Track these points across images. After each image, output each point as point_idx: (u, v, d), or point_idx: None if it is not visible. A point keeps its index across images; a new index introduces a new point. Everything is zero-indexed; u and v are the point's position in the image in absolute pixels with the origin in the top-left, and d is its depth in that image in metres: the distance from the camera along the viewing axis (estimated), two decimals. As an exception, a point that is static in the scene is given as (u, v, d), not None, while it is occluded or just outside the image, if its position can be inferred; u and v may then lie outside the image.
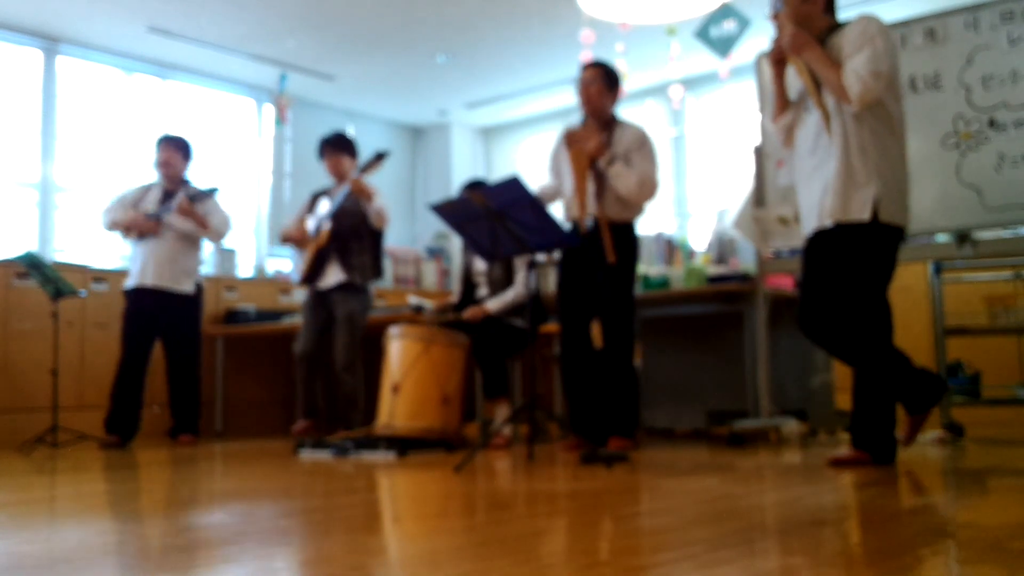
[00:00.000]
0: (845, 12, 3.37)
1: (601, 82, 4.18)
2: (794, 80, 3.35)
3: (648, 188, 4.06)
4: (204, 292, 5.50)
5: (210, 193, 5.24)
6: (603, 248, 4.02)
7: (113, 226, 5.34)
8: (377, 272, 5.20)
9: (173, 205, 5.19)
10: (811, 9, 3.27)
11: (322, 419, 5.11)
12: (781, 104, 3.38)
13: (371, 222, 5.08)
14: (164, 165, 5.34)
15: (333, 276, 5.08)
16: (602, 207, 4.07)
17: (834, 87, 3.13)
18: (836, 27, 3.27)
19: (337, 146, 5.24)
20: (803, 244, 3.32)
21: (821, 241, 3.22)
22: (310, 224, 5.21)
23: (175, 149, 5.37)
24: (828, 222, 3.16)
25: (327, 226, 5.03)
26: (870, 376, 3.20)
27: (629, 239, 4.17)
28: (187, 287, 5.28)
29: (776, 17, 3.31)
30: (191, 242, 5.33)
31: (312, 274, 5.12)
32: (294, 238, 5.26)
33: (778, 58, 3.31)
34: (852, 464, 3.18)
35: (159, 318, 5.25)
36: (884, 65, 3.08)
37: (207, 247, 5.68)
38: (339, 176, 5.23)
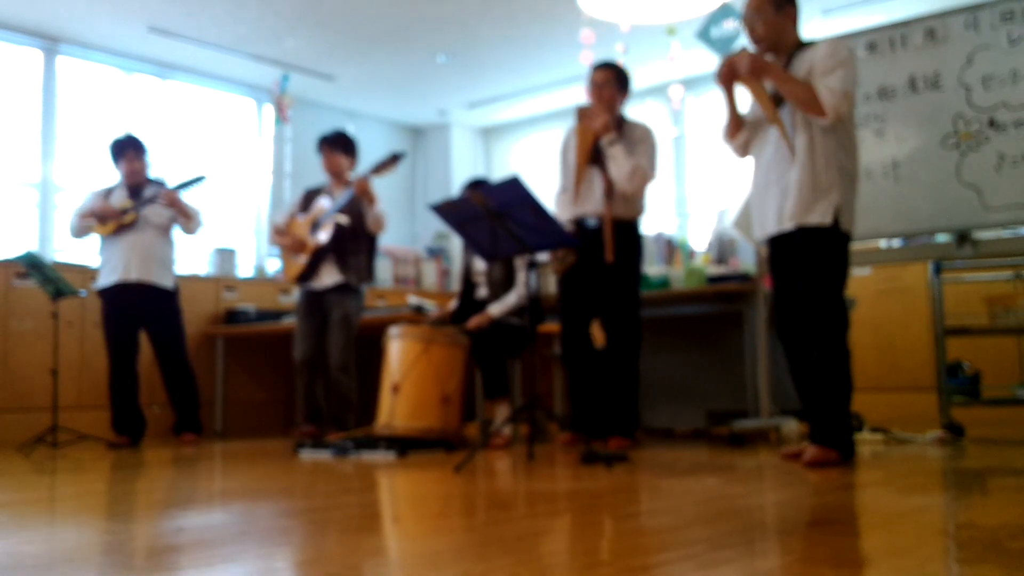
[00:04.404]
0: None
1: (614, 84, 4.22)
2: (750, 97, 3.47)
3: (639, 177, 4.09)
4: (179, 287, 5.40)
5: (194, 182, 5.19)
6: (605, 247, 4.04)
7: (84, 230, 5.19)
8: (371, 274, 5.18)
9: (145, 198, 5.13)
10: (785, 23, 3.42)
11: (325, 422, 5.10)
12: (735, 122, 3.54)
13: (368, 225, 5.08)
14: (131, 174, 5.27)
15: (329, 277, 5.05)
16: (609, 205, 4.08)
17: (803, 101, 3.25)
18: (802, 45, 3.41)
19: (337, 144, 5.22)
20: (766, 251, 3.43)
21: (786, 246, 3.37)
22: (300, 219, 5.17)
23: (138, 153, 5.32)
24: (789, 225, 3.31)
25: (329, 227, 5.00)
26: (832, 374, 3.29)
27: (633, 237, 4.19)
28: (169, 282, 5.23)
29: (746, 21, 3.45)
30: (167, 236, 5.26)
31: (307, 273, 5.10)
32: (283, 237, 5.19)
33: (728, 80, 3.42)
34: (827, 464, 3.21)
35: (141, 313, 5.18)
36: (853, 87, 3.27)
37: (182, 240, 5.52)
38: (335, 175, 5.22)
